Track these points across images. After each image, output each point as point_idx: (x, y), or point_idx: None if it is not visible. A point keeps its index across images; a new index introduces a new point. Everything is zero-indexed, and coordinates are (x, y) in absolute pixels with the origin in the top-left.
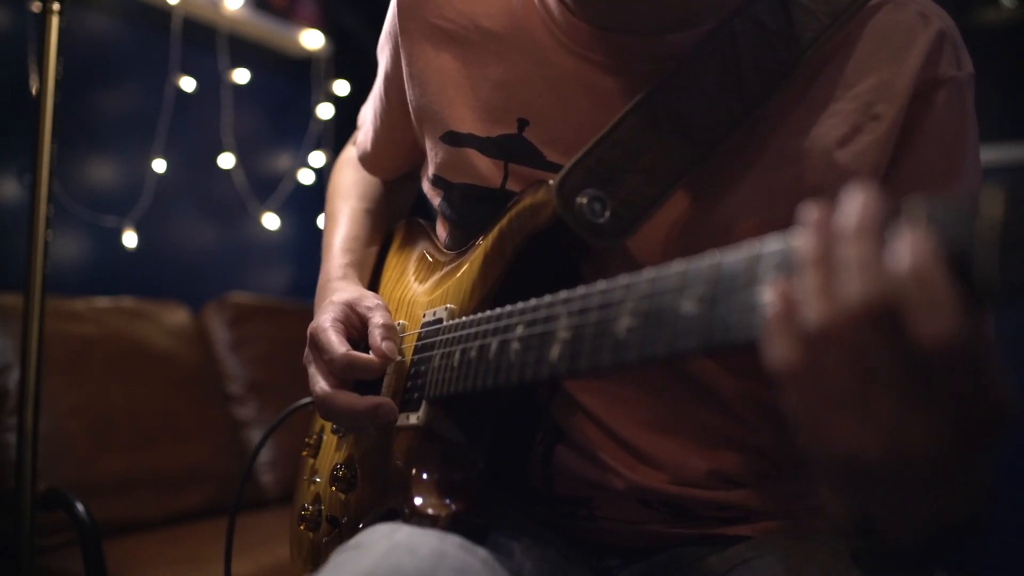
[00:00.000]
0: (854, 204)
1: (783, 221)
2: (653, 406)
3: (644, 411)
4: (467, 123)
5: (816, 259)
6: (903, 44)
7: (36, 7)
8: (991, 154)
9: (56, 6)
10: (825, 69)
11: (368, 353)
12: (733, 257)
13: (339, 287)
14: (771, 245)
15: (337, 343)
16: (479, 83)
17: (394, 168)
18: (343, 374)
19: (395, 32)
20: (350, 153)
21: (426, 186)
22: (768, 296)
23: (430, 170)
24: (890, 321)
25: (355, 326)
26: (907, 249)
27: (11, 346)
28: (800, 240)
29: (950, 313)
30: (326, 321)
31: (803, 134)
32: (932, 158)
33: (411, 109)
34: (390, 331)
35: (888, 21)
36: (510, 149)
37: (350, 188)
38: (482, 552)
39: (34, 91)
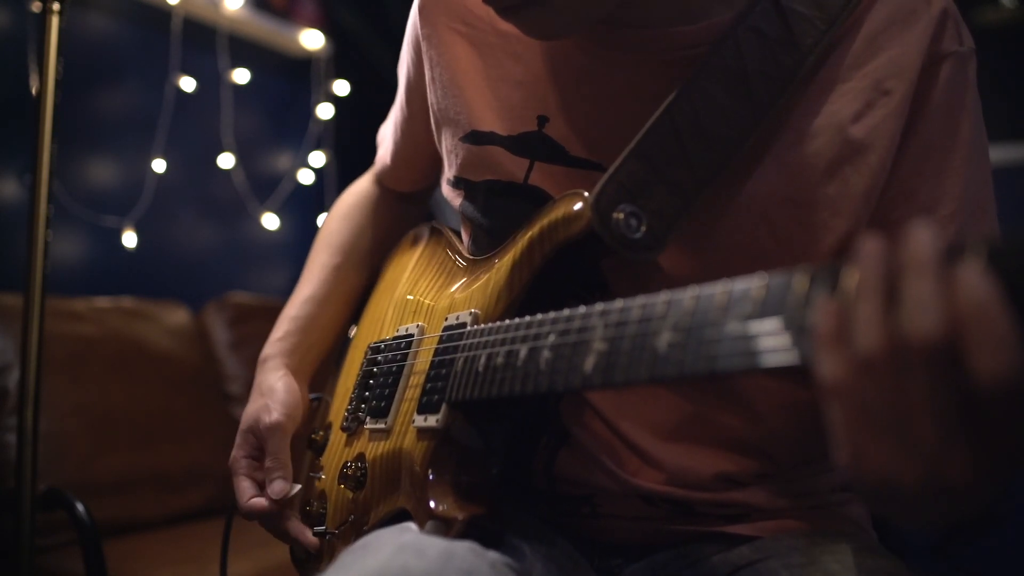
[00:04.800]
0: (917, 238)
1: (802, 198)
2: (664, 407)
3: (655, 412)
4: (489, 123)
5: (875, 287)
6: (909, 24)
7: (36, 7)
8: (991, 154)
9: (56, 6)
10: (832, 54)
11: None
12: (780, 279)
13: (259, 383)
14: (822, 270)
15: (246, 488)
16: (499, 83)
17: (415, 181)
18: (248, 518)
19: (416, 38)
20: (350, 191)
21: (446, 190)
22: (820, 313)
23: (451, 172)
24: (947, 356)
25: (260, 449)
26: (970, 285)
27: (11, 346)
28: (859, 265)
29: (1011, 350)
30: (239, 459)
31: (816, 113)
32: (936, 131)
33: (432, 112)
34: (277, 469)
35: (891, 6)
36: (533, 146)
37: (331, 237)
38: (492, 555)
39: (34, 91)
